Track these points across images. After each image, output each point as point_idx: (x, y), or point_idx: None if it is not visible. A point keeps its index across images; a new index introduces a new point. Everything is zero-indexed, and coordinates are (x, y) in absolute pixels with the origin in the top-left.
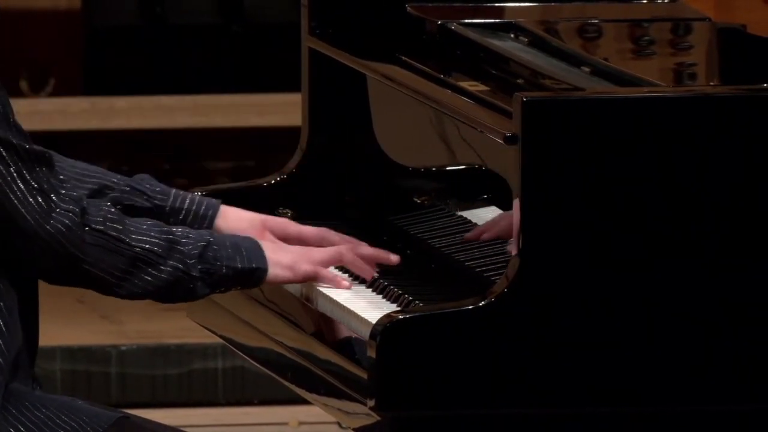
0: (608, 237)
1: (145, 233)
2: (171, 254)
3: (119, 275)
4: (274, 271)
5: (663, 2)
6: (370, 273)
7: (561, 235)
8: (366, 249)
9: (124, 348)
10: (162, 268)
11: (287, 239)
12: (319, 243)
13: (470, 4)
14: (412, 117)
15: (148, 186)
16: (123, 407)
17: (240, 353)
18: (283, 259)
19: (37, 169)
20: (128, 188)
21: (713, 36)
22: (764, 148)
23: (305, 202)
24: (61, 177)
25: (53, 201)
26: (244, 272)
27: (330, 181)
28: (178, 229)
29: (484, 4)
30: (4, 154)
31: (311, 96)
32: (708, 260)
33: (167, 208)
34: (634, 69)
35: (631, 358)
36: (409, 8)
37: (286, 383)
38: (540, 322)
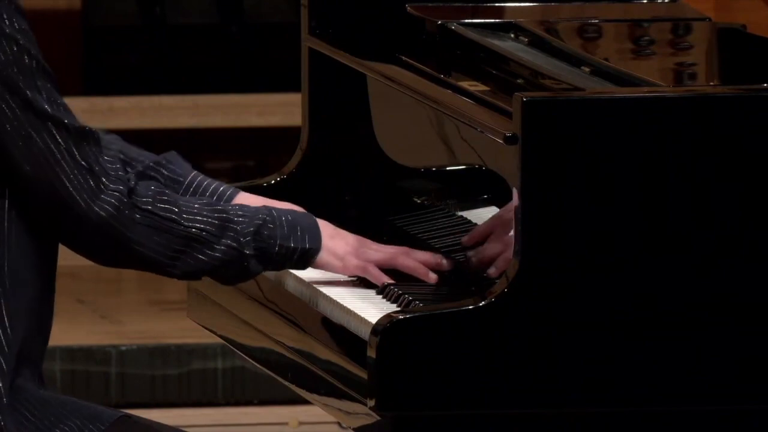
0: (608, 237)
1: (197, 212)
2: (224, 233)
3: (172, 255)
4: (326, 256)
5: (663, 2)
6: (426, 276)
7: (561, 235)
8: (420, 254)
9: (123, 348)
10: (216, 247)
11: None
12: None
13: (470, 4)
14: (412, 117)
15: (164, 173)
16: (122, 407)
17: (240, 353)
18: (337, 247)
19: (86, 147)
20: (143, 172)
21: (713, 36)
22: (764, 148)
23: (305, 202)
24: (108, 158)
25: (102, 182)
26: (296, 251)
27: (330, 181)
28: (232, 207)
29: (484, 4)
30: (54, 132)
31: (311, 96)
32: (708, 260)
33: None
34: (634, 69)
35: (632, 358)
36: (409, 8)
37: (286, 383)
38: (540, 322)
